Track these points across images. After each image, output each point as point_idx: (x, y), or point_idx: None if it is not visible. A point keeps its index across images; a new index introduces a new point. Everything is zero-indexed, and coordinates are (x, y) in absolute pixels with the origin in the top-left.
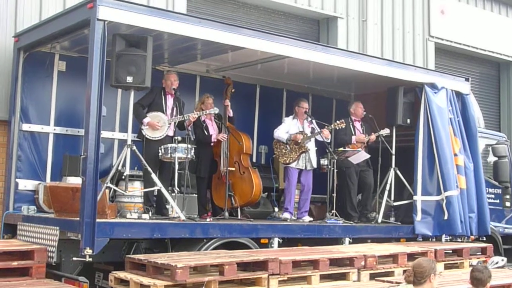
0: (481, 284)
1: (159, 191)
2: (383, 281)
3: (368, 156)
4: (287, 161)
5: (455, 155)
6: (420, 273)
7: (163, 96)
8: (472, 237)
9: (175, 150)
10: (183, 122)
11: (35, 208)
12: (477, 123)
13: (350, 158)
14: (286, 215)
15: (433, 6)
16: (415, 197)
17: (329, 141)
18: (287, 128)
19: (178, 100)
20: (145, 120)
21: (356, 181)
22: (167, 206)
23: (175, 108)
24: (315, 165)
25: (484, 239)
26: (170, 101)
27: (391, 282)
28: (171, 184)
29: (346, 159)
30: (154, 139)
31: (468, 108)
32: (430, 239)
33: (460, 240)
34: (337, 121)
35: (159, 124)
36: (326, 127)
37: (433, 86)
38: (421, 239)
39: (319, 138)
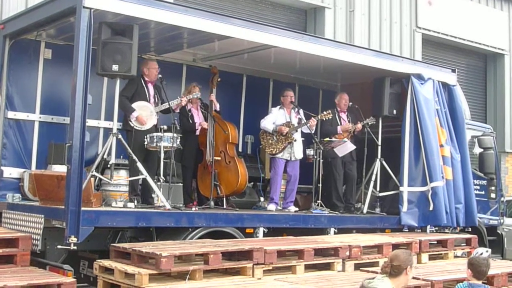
0: (484, 276)
1: (144, 180)
2: (368, 271)
3: (354, 147)
4: (273, 152)
5: (441, 146)
6: (397, 266)
7: (144, 85)
8: (458, 228)
9: (161, 139)
10: (168, 109)
11: (20, 196)
12: (464, 115)
13: (336, 150)
14: (271, 206)
15: None
16: (401, 188)
17: (313, 131)
18: (274, 118)
19: (157, 88)
20: (134, 114)
21: (342, 171)
22: (153, 195)
23: (156, 96)
24: (301, 156)
25: (470, 230)
26: (151, 89)
27: (376, 273)
28: (157, 173)
29: (332, 150)
30: (142, 129)
31: (455, 99)
32: (415, 230)
33: (447, 231)
34: (324, 112)
35: (147, 117)
36: (313, 117)
37: (419, 77)
38: (407, 230)
39: (305, 130)
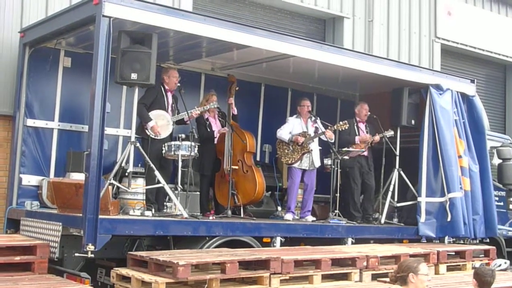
0: (489, 287)
1: (158, 187)
2: (385, 282)
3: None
4: (289, 162)
5: (460, 156)
6: (401, 275)
7: (164, 94)
8: (477, 239)
9: (179, 148)
10: (181, 119)
11: (38, 204)
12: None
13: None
14: (288, 216)
15: (440, 7)
16: (419, 199)
17: (333, 141)
18: (291, 128)
19: (175, 97)
20: (150, 124)
21: (359, 181)
22: (165, 203)
23: (173, 105)
24: (318, 165)
25: (488, 241)
26: (170, 98)
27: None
28: (175, 182)
29: (349, 160)
30: (158, 138)
31: (474, 110)
32: (433, 241)
33: (463, 242)
34: (341, 122)
35: (162, 127)
36: (329, 127)
37: (438, 87)
38: (425, 241)
39: (323, 138)
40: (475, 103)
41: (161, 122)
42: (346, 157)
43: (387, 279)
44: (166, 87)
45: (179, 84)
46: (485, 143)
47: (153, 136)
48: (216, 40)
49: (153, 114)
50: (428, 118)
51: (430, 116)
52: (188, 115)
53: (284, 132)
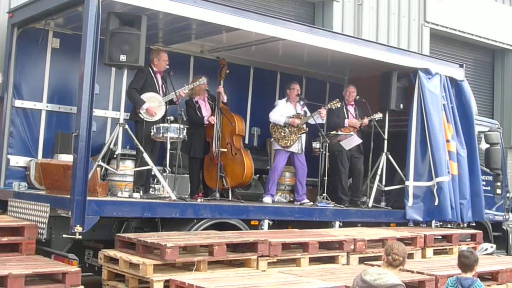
0: (468, 269)
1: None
2: (372, 265)
3: (360, 141)
4: (288, 144)
5: (448, 141)
6: (402, 259)
7: (153, 76)
8: (463, 223)
9: (168, 130)
10: (171, 100)
11: (26, 185)
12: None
13: (342, 143)
14: (267, 199)
15: None
16: (407, 183)
17: (324, 121)
18: (282, 111)
19: (163, 79)
20: (144, 106)
21: (347, 165)
22: (155, 186)
23: (163, 86)
24: (303, 149)
25: (474, 225)
26: (160, 80)
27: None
28: (163, 164)
29: (337, 143)
30: (152, 120)
31: (462, 95)
32: (420, 225)
33: (451, 226)
34: (333, 101)
35: (156, 109)
36: (322, 107)
37: (427, 71)
38: (412, 224)
39: (318, 119)
40: (464, 87)
41: (154, 104)
42: (335, 141)
43: (375, 263)
44: (155, 69)
45: (168, 67)
46: (473, 127)
47: (147, 119)
48: (206, 22)
49: (145, 96)
50: (417, 102)
51: (418, 100)
52: (176, 95)
53: (277, 115)
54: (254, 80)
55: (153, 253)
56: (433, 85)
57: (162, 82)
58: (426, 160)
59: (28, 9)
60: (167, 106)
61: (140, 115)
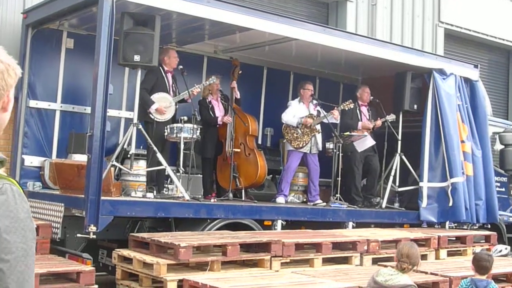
0: (486, 272)
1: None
2: (386, 266)
3: (373, 142)
4: (300, 145)
5: (462, 141)
6: (415, 262)
7: (164, 75)
8: (478, 225)
9: (181, 130)
10: (183, 99)
11: (41, 184)
12: (486, 111)
13: (356, 144)
14: (280, 199)
15: None
16: (421, 183)
17: (338, 121)
18: (294, 111)
19: (174, 78)
20: (154, 107)
21: (361, 165)
22: (168, 186)
23: (174, 85)
24: (320, 149)
25: (489, 227)
26: (170, 79)
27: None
28: (176, 164)
29: (351, 144)
30: (162, 120)
31: (477, 95)
32: (434, 226)
33: (465, 228)
34: (346, 102)
35: (166, 108)
36: (335, 108)
37: (441, 72)
38: (425, 226)
39: (331, 119)
40: (478, 88)
41: (164, 105)
42: (348, 142)
43: (388, 263)
44: (166, 68)
45: (181, 66)
46: (487, 128)
47: (157, 119)
48: (219, 22)
49: (155, 97)
50: (431, 103)
51: (433, 100)
52: (189, 94)
53: (290, 116)
54: (267, 80)
55: (166, 253)
56: (448, 86)
57: (172, 82)
58: (440, 161)
59: (42, 9)
60: (177, 106)
61: (150, 115)
